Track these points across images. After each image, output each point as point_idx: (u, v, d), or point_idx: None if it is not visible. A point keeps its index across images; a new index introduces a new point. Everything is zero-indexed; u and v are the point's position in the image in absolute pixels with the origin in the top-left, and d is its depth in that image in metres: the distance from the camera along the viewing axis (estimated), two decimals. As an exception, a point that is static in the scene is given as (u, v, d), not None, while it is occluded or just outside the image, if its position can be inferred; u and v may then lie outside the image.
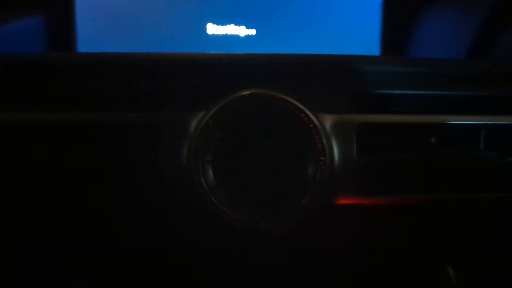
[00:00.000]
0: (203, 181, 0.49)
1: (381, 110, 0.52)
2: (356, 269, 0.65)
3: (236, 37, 0.81)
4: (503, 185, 0.54)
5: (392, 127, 0.52)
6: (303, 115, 0.50)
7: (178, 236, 0.59)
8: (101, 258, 0.64)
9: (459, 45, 0.77)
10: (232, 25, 0.81)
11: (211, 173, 0.50)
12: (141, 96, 0.51)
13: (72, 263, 0.64)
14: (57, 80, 0.52)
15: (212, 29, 0.80)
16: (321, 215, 0.51)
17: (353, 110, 0.52)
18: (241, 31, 0.81)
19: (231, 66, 0.52)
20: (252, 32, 0.81)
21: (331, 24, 0.82)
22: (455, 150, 0.53)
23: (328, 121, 0.51)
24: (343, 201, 0.51)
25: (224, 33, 0.81)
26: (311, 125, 0.50)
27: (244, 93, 0.50)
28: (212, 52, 0.54)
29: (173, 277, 0.64)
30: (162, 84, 0.52)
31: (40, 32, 0.73)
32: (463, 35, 0.75)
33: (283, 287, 0.64)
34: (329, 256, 0.63)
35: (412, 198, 0.53)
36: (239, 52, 0.54)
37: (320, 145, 0.49)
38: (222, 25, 0.81)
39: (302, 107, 0.50)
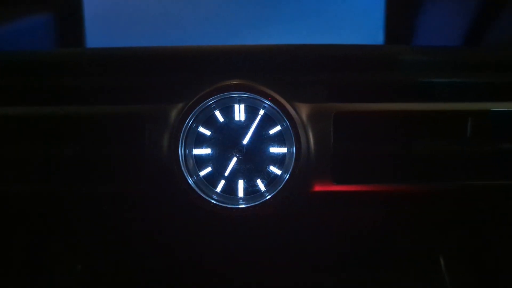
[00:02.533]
0: (182, 169, 0.51)
1: (359, 99, 0.53)
2: (334, 256, 0.65)
3: (238, 29, 0.82)
4: (484, 174, 0.54)
5: (369, 116, 0.53)
6: (279, 105, 0.51)
7: (161, 223, 0.62)
8: (90, 247, 0.68)
9: (461, 32, 0.76)
10: (237, 17, 0.82)
11: (191, 161, 0.52)
12: (128, 90, 0.54)
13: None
14: (49, 77, 0.55)
15: (214, 21, 0.82)
16: (298, 202, 0.52)
17: (331, 99, 0.53)
18: (243, 22, 0.82)
19: (212, 58, 0.54)
20: (254, 23, 0.82)
21: (335, 13, 0.82)
22: (434, 139, 0.53)
23: (305, 110, 0.52)
24: (318, 188, 0.52)
25: (226, 25, 0.82)
26: (288, 115, 0.51)
27: (221, 84, 0.51)
28: (194, 45, 0.55)
29: (155, 263, 0.67)
30: (147, 78, 0.54)
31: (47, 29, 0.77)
32: (463, 23, 0.74)
33: (260, 273, 0.65)
34: (307, 243, 0.64)
35: (388, 186, 0.53)
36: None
37: (296, 135, 0.51)
38: (223, 16, 0.82)
39: (278, 97, 0.51)
